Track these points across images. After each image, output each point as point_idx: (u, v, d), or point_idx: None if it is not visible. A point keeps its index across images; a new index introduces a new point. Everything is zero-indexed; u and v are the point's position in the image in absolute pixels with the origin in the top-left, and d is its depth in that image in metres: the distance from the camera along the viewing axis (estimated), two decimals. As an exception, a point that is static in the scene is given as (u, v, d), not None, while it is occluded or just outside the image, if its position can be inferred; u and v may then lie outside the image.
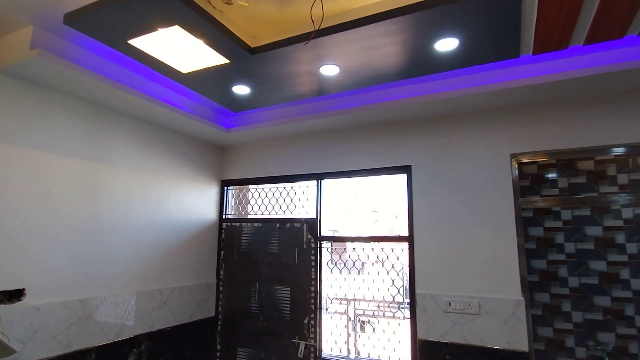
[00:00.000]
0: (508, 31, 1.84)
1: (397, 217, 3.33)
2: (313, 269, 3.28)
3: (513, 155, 2.80)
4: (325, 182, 3.45)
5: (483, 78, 2.55)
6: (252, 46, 2.08)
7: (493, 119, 2.86)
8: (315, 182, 3.45)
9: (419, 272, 2.91)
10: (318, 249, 3.31)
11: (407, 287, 3.08)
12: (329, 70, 2.25)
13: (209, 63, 2.19)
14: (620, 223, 3.59)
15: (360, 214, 3.60)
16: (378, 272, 3.22)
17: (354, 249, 3.32)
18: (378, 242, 3.17)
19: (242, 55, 2.10)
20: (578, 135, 2.65)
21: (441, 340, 2.75)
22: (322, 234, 3.34)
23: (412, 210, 3.02)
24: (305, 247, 3.34)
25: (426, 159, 3.03)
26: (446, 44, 1.95)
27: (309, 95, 2.62)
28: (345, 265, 3.42)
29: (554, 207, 3.80)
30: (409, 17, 1.75)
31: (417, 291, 2.88)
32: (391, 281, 3.15)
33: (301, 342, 3.21)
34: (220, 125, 3.34)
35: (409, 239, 3.01)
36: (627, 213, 3.59)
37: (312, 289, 3.26)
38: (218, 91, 2.61)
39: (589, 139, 2.63)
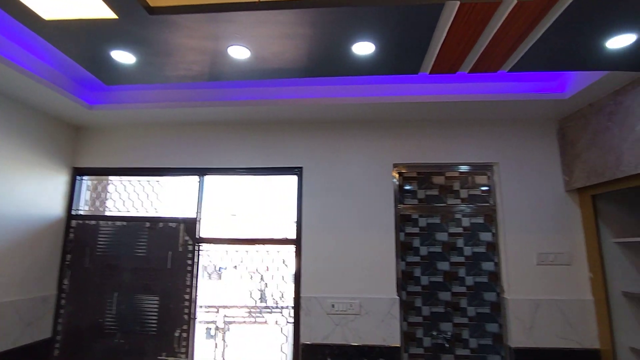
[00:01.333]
0: (418, 47, 1.98)
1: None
2: (189, 275, 2.92)
3: (395, 165, 3.05)
4: (209, 179, 3.14)
5: (377, 90, 2.71)
6: (151, 4, 1.72)
7: (381, 129, 3.07)
8: (197, 177, 3.10)
9: (306, 275, 2.88)
10: (196, 251, 2.96)
11: (282, 290, 3.02)
12: (239, 52, 2.04)
13: (88, 14, 1.72)
14: (460, 230, 4.29)
15: (239, 214, 3.38)
16: (261, 276, 3.07)
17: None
18: (263, 244, 3.02)
19: (137, 13, 1.72)
20: (437, 153, 3.03)
21: (324, 343, 2.76)
22: (201, 236, 3.01)
23: (302, 212, 2.99)
24: (181, 249, 2.95)
25: (318, 162, 3.05)
26: (364, 48, 1.98)
27: (209, 79, 2.33)
28: (209, 269, 3.15)
29: (413, 214, 4.32)
30: (326, 10, 1.70)
31: (302, 294, 2.84)
32: (275, 285, 3.04)
33: (169, 358, 2.80)
34: (80, 98, 2.69)
35: (297, 242, 2.96)
36: (466, 222, 4.31)
37: (187, 297, 2.89)
38: (89, 54, 2.09)
39: (445, 156, 3.03)
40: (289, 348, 2.88)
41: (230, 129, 3.11)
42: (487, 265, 4.23)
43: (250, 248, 3.05)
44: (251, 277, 3.06)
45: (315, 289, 2.84)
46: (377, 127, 3.06)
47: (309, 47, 1.98)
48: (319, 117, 2.97)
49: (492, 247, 4.27)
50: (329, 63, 2.12)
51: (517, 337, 2.71)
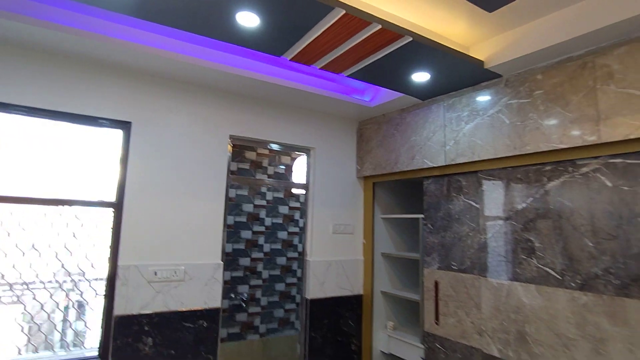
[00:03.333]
0: (294, 34, 2.16)
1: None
2: (-55, 243, 2.12)
3: (231, 137, 3.13)
4: (-12, 115, 2.33)
5: (227, 59, 2.72)
6: None
7: (221, 99, 3.06)
8: (-31, 110, 2.24)
9: (126, 242, 2.60)
10: (-39, 211, 2.17)
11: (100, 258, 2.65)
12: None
13: None
14: (264, 202, 4.76)
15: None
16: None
17: None
18: (70, 205, 2.52)
19: None
20: (268, 131, 3.27)
21: (141, 312, 2.60)
22: (-29, 190, 2.22)
23: (126, 173, 2.66)
24: None
25: (151, 119, 2.77)
26: (247, 19, 2.00)
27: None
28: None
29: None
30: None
31: (120, 263, 2.57)
32: (84, 254, 2.59)
33: None
34: None
35: (117, 205, 2.62)
36: (269, 196, 4.81)
37: (-60, 272, 2.09)
38: None
39: (274, 135, 3.29)
40: (97, 323, 2.55)
41: (34, 57, 2.39)
42: (282, 234, 4.89)
43: (48, 210, 2.47)
44: (50, 246, 2.49)
45: (137, 257, 2.62)
46: (217, 96, 3.05)
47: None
48: (159, 71, 2.69)
49: (288, 219, 4.95)
50: (208, 21, 2.03)
51: (313, 290, 3.34)
